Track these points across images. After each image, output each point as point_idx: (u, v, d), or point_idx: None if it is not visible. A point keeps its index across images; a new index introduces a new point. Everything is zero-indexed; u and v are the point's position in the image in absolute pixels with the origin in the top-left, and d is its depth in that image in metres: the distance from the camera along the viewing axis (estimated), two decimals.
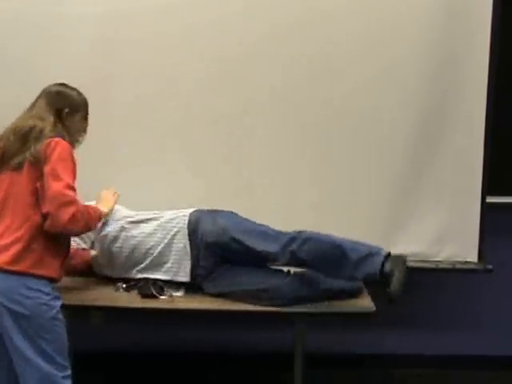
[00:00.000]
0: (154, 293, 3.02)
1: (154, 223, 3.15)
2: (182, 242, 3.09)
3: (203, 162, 3.53)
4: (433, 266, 3.57)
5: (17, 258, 2.49)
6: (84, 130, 2.83)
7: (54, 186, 2.49)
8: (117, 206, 3.15)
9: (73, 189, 2.54)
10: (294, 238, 2.98)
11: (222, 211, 3.16)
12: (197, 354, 3.80)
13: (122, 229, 3.15)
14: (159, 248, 3.10)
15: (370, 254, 2.90)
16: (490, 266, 3.56)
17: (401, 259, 2.90)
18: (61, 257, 2.64)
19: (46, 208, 2.50)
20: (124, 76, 3.48)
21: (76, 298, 2.97)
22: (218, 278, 3.05)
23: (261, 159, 3.54)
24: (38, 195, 2.54)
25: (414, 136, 3.53)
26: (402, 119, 3.51)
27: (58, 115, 2.70)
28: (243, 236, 3.00)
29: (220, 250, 3.03)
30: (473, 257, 3.59)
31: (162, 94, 3.49)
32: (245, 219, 3.13)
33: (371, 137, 3.53)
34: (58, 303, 2.58)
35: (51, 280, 2.57)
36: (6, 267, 2.48)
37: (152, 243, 3.11)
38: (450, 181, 3.56)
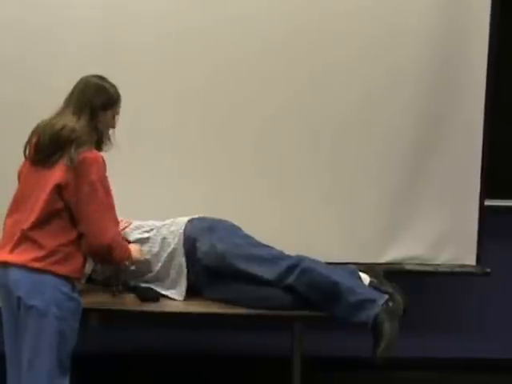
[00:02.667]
0: (154, 296, 3.04)
1: (152, 241, 3.15)
2: (179, 261, 3.10)
3: (202, 168, 3.53)
4: (432, 269, 3.58)
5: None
6: (113, 126, 2.83)
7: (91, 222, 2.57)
8: None
9: (116, 222, 2.72)
10: (292, 266, 2.96)
11: (220, 223, 3.15)
12: (195, 357, 3.80)
13: None
14: (158, 266, 3.12)
15: (367, 300, 2.87)
16: (489, 270, 3.57)
17: (396, 312, 2.86)
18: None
19: (83, 230, 2.58)
20: (123, 81, 3.46)
21: None
22: (217, 286, 3.05)
23: (261, 166, 3.55)
24: (60, 191, 2.56)
25: (413, 141, 3.54)
26: (401, 125, 3.52)
27: (93, 111, 2.69)
28: (241, 263, 2.99)
29: (218, 271, 3.04)
30: (471, 260, 3.60)
31: (160, 99, 3.49)
32: (243, 237, 3.12)
33: (371, 143, 3.54)
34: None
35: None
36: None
37: (151, 261, 3.13)
38: (448, 185, 3.57)
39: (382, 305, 2.86)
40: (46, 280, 2.52)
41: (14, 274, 2.53)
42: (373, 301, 2.87)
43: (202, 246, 3.04)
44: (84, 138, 2.60)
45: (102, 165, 2.62)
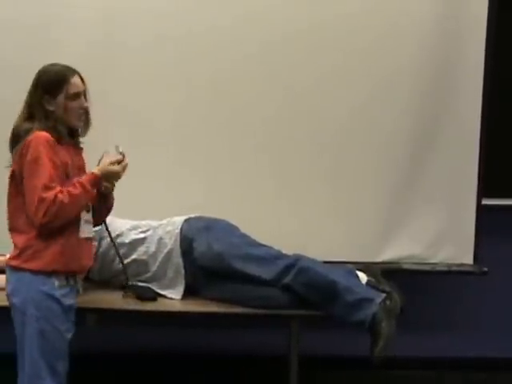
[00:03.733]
0: (152, 295, 3.04)
1: (149, 242, 3.14)
2: (176, 261, 3.10)
3: (201, 168, 3.53)
4: (429, 268, 3.59)
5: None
6: (80, 109, 2.64)
7: (28, 198, 2.50)
8: (109, 217, 3.17)
9: (47, 188, 2.48)
10: (289, 266, 2.96)
11: (216, 223, 3.15)
12: (192, 356, 3.80)
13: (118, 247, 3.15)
14: (155, 266, 3.12)
15: (364, 299, 2.87)
16: (486, 268, 3.58)
17: (394, 310, 2.87)
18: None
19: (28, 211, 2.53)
20: (121, 81, 3.48)
21: None
22: (214, 285, 3.06)
23: (260, 167, 3.55)
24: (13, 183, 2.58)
25: (410, 140, 3.55)
26: (399, 125, 3.53)
27: (37, 103, 2.57)
28: (239, 263, 2.99)
29: (215, 271, 3.03)
30: (468, 259, 3.61)
31: (160, 99, 3.49)
32: (240, 237, 3.11)
33: (369, 143, 3.55)
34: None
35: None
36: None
37: (148, 262, 3.13)
38: (445, 184, 3.57)
39: (380, 304, 2.86)
40: (24, 278, 2.52)
41: (6, 274, 2.62)
42: (370, 300, 2.87)
43: (199, 245, 3.04)
44: (22, 128, 2.55)
45: (37, 145, 2.49)
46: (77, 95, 2.61)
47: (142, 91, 3.49)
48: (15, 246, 2.57)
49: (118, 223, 3.20)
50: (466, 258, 3.61)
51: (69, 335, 2.62)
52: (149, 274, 3.12)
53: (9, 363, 3.68)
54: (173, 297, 3.08)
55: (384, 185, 3.57)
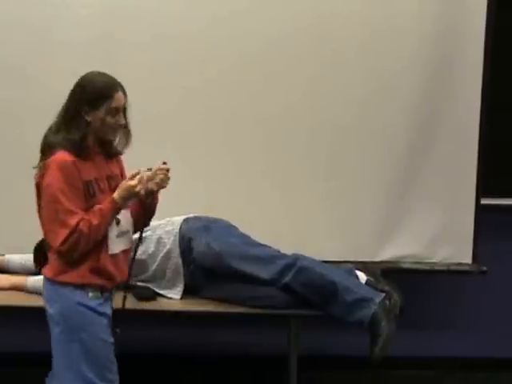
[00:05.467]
0: (151, 295, 3.04)
1: (148, 242, 3.13)
2: (175, 261, 3.10)
3: (200, 167, 3.53)
4: (428, 267, 3.59)
5: None
6: (117, 125, 2.53)
7: (47, 225, 2.47)
8: None
9: (67, 215, 2.40)
10: (288, 265, 2.97)
11: (215, 223, 3.15)
12: (191, 356, 3.80)
13: None
14: (154, 266, 3.12)
15: (363, 299, 2.88)
16: (485, 268, 3.58)
17: (393, 310, 2.88)
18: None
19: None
20: (120, 80, 3.47)
21: None
22: (213, 285, 3.06)
23: (259, 166, 3.55)
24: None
25: (409, 140, 3.55)
26: (398, 125, 3.53)
27: (75, 111, 2.47)
28: (238, 263, 2.99)
29: (214, 271, 3.04)
30: (467, 258, 3.61)
31: (160, 98, 3.48)
32: (239, 236, 3.12)
33: (368, 142, 3.55)
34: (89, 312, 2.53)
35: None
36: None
37: (147, 262, 3.13)
38: (444, 183, 3.57)
39: (379, 303, 2.86)
40: (58, 289, 2.50)
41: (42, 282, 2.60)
42: (369, 299, 2.88)
43: (198, 245, 3.05)
44: (48, 140, 2.48)
45: (55, 170, 2.39)
46: (117, 111, 2.52)
47: (141, 90, 3.46)
48: (50, 256, 2.54)
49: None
50: (465, 257, 3.61)
51: (108, 341, 2.59)
52: (148, 274, 3.12)
53: (9, 363, 3.71)
54: (172, 296, 3.08)
55: (383, 184, 3.57)
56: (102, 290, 2.53)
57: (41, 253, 3.25)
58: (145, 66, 3.48)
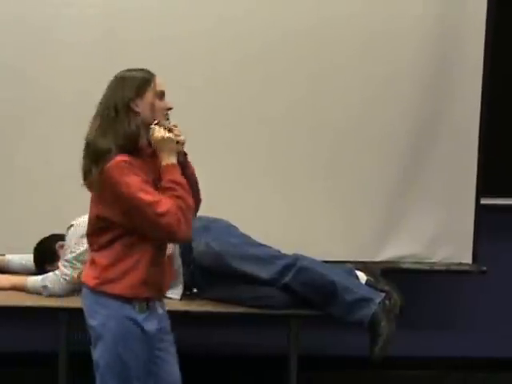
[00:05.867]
0: None
1: None
2: (175, 262, 3.09)
3: (200, 167, 3.52)
4: (427, 267, 3.59)
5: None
6: (165, 110, 2.43)
7: (147, 224, 2.23)
8: None
9: (148, 194, 2.23)
10: (288, 265, 2.96)
11: (215, 223, 3.15)
12: (191, 356, 3.79)
13: None
14: None
15: (363, 299, 2.88)
16: (485, 268, 3.58)
17: (393, 310, 2.88)
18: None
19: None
20: None
21: (72, 300, 2.98)
22: (213, 285, 3.06)
23: (260, 166, 3.55)
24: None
25: (409, 140, 3.55)
26: (398, 125, 3.53)
27: (123, 105, 2.33)
28: (238, 263, 2.99)
29: (214, 271, 3.03)
30: (467, 258, 3.61)
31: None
32: (239, 236, 3.11)
33: (369, 143, 3.55)
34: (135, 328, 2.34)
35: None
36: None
37: None
38: (444, 183, 3.57)
39: (379, 303, 2.87)
40: (102, 300, 2.31)
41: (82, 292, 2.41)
42: (369, 299, 2.88)
43: (198, 245, 3.04)
44: (100, 146, 2.30)
45: (120, 170, 2.24)
46: (162, 94, 2.42)
47: None
48: (95, 264, 2.33)
49: None
50: (465, 257, 3.61)
51: (150, 359, 2.42)
52: None
53: (9, 363, 3.70)
54: (172, 297, 3.08)
55: (383, 184, 3.57)
56: (148, 302, 2.35)
57: (41, 253, 3.26)
58: (146, 66, 3.47)
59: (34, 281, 3.07)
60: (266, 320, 3.23)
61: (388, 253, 3.61)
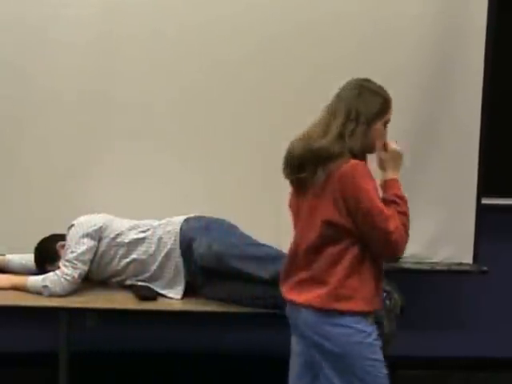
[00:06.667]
0: (152, 295, 3.04)
1: (148, 242, 3.13)
2: (176, 261, 3.09)
3: (200, 167, 3.53)
4: (428, 267, 3.59)
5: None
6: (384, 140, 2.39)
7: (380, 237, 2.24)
8: (109, 217, 3.18)
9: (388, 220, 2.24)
10: None
11: (216, 223, 3.15)
12: (192, 356, 3.80)
13: (117, 247, 3.16)
14: (155, 266, 3.11)
15: None
16: (485, 268, 3.58)
17: (394, 310, 2.88)
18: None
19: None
20: (120, 78, 3.48)
21: (72, 300, 2.98)
22: (214, 285, 3.06)
23: (260, 166, 3.54)
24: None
25: (411, 139, 3.54)
26: (399, 124, 3.49)
27: (361, 122, 2.32)
28: (238, 263, 2.97)
29: (215, 271, 3.03)
30: (468, 258, 3.61)
31: (160, 98, 3.48)
32: (239, 237, 3.11)
33: None
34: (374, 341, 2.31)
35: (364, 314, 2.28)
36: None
37: (148, 262, 3.12)
38: (445, 183, 3.57)
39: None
40: (341, 321, 2.25)
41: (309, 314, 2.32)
42: None
43: (199, 245, 3.04)
44: (334, 150, 2.28)
45: (365, 178, 2.25)
46: (387, 123, 2.41)
47: (141, 89, 3.49)
48: (323, 282, 2.26)
49: (118, 223, 3.20)
50: (466, 257, 3.61)
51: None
52: (149, 274, 3.12)
53: (9, 363, 3.70)
54: (173, 296, 3.08)
55: None
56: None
57: (42, 253, 3.25)
58: (144, 64, 3.49)
59: (35, 281, 3.07)
60: (267, 320, 3.22)
61: None
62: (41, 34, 3.42)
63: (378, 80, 3.47)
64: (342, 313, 2.24)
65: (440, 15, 3.48)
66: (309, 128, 2.43)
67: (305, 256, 2.32)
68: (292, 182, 2.41)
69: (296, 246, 2.37)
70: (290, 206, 2.47)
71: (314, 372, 2.36)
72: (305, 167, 2.31)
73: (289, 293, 2.39)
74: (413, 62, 3.50)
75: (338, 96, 2.44)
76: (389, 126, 2.45)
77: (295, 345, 2.43)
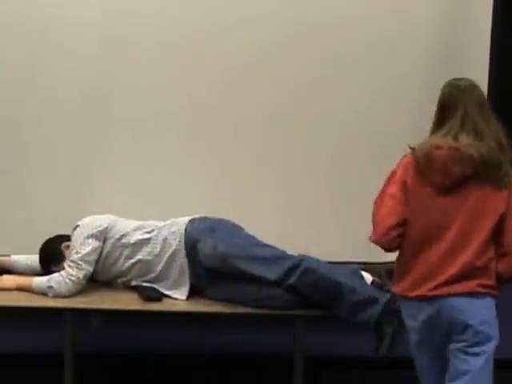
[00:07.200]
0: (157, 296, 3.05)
1: (153, 242, 3.14)
2: (181, 262, 3.10)
3: (203, 168, 3.54)
4: None
5: None
6: None
7: None
8: (114, 218, 3.18)
9: None
10: (294, 266, 2.96)
11: (221, 224, 3.15)
12: (197, 356, 3.80)
13: (122, 248, 3.16)
14: (160, 266, 3.12)
15: (369, 299, 2.90)
16: None
17: (399, 311, 2.86)
18: None
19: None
20: (124, 80, 3.49)
21: (77, 301, 2.98)
22: (219, 285, 3.06)
23: (262, 167, 3.56)
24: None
25: (416, 140, 3.52)
26: (402, 126, 3.53)
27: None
28: (243, 263, 2.98)
29: (220, 272, 3.03)
30: None
31: (163, 99, 3.49)
32: (244, 237, 3.12)
33: (372, 144, 3.57)
34: None
35: None
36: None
37: (153, 262, 3.13)
38: None
39: (385, 304, 2.87)
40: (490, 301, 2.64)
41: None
42: (375, 300, 2.88)
43: (204, 246, 3.05)
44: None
45: None
46: None
47: (145, 90, 3.50)
48: (478, 268, 2.53)
49: (123, 224, 3.21)
50: None
51: None
52: (153, 275, 3.13)
53: (9, 363, 3.71)
54: (177, 297, 3.09)
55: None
56: None
57: (47, 254, 3.26)
58: (148, 65, 3.50)
59: (40, 281, 3.07)
60: (272, 321, 3.22)
61: (393, 254, 3.60)
62: (42, 37, 3.43)
63: (384, 82, 3.51)
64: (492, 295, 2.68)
65: (445, 18, 3.49)
66: None
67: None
68: None
69: None
70: None
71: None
72: None
73: None
74: (418, 64, 3.53)
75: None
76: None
77: None
